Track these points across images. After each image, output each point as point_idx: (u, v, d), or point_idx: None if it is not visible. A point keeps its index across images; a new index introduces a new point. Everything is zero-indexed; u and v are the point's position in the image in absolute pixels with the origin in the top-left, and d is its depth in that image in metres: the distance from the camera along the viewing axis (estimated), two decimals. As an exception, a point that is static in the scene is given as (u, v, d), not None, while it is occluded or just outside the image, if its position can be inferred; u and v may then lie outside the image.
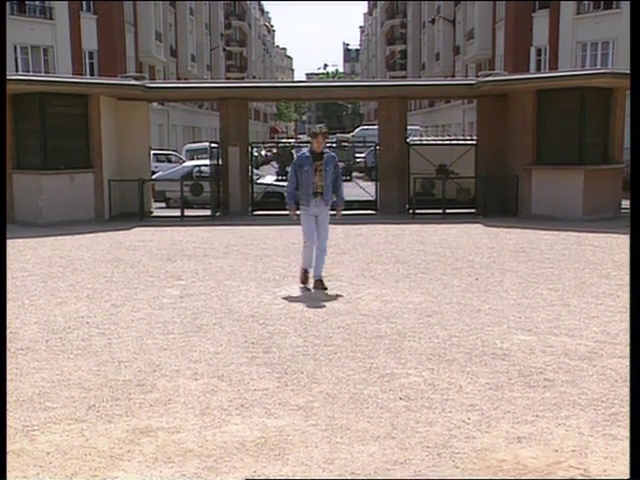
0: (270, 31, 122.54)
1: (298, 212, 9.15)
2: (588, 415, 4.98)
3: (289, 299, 8.63)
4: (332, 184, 9.04)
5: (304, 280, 9.22)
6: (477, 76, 21.85)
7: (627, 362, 6.07)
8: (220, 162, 18.64)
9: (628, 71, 19.97)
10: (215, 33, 66.94)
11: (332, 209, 9.39)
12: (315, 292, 9.03)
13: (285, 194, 9.24)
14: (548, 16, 34.79)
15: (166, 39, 49.65)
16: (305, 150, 9.11)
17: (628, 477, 2.52)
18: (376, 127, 20.97)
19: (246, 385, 5.60)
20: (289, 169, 9.30)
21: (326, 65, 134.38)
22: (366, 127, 43.88)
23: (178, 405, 5.19)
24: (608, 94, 17.01)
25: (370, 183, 21.33)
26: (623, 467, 4.16)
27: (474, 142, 19.15)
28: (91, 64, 36.77)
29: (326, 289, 8.99)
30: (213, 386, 5.58)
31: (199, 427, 4.78)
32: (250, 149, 19.48)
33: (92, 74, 35.54)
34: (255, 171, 21.38)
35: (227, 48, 73.23)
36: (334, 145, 34.32)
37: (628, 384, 5.57)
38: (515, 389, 5.45)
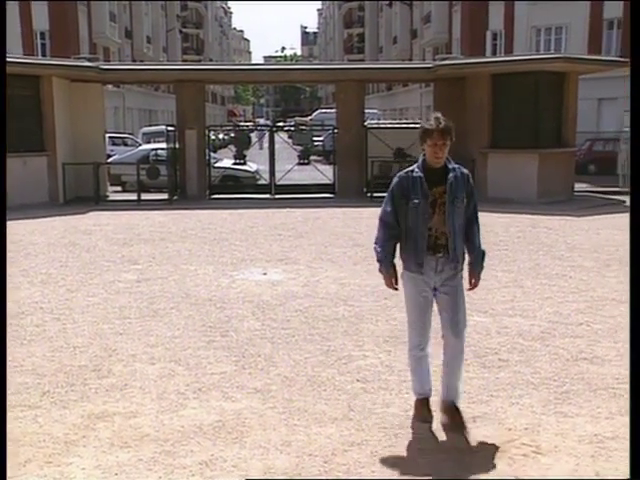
0: (227, 13, 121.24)
1: (396, 281, 4.70)
2: (541, 394, 5.07)
3: (247, 282, 8.60)
4: (464, 228, 4.61)
5: (423, 414, 4.67)
6: (434, 60, 21.93)
7: (579, 342, 6.20)
8: (177, 145, 18.45)
9: (580, 56, 20.29)
10: (171, 15, 66.02)
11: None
12: (274, 276, 9.01)
13: (374, 246, 4.71)
14: (504, 1, 35.04)
15: (121, 20, 48.83)
16: (413, 166, 4.60)
17: (628, 477, 2.58)
18: (334, 110, 20.94)
19: (203, 369, 5.58)
20: (385, 198, 4.67)
21: (284, 48, 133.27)
22: (324, 110, 43.78)
23: (135, 390, 5.15)
24: (561, 78, 17.23)
25: (328, 166, 21.32)
26: (573, 443, 4.27)
27: (431, 125, 19.20)
28: (42, 45, 36.01)
29: (466, 429, 4.50)
30: (170, 370, 5.55)
31: (156, 411, 4.76)
32: (207, 132, 19.31)
33: (44, 55, 34.78)
34: (213, 155, 21.22)
35: (183, 30, 72.31)
36: (292, 129, 34.33)
37: (579, 363, 5.69)
38: (471, 370, 5.52)
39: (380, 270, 4.69)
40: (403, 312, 7.11)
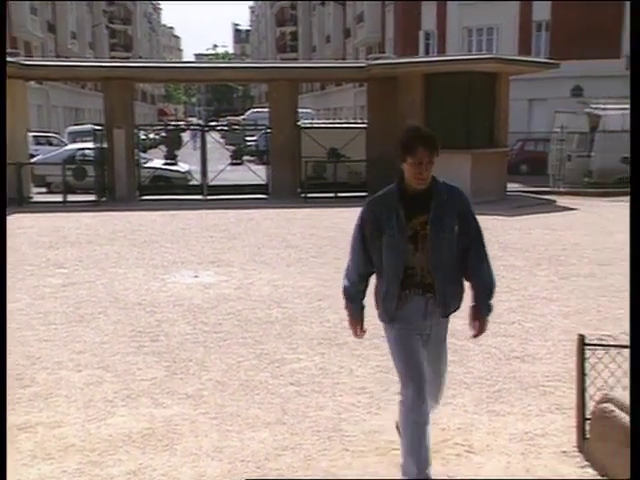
0: (156, 9, 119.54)
1: (361, 327, 3.96)
2: (473, 393, 5.09)
3: (178, 286, 8.44)
4: (460, 260, 3.73)
5: None
6: (367, 59, 22.04)
7: (511, 341, 6.27)
8: (105, 145, 18.04)
9: (511, 57, 20.69)
10: (97, 9, 64.56)
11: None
12: (206, 279, 8.86)
13: (343, 280, 3.93)
14: (436, 1, 35.51)
15: (42, 14, 47.52)
16: (388, 188, 3.75)
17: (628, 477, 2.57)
18: (268, 110, 20.84)
19: (133, 375, 5.42)
20: (354, 230, 3.82)
21: (216, 46, 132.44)
22: (258, 110, 43.59)
23: (60, 398, 4.97)
24: (493, 79, 17.52)
25: (262, 167, 21.19)
26: (504, 441, 4.30)
27: (365, 125, 19.32)
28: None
29: None
30: (98, 377, 5.38)
31: (82, 420, 4.59)
32: (137, 132, 18.95)
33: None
34: (142, 155, 20.84)
35: (110, 25, 70.95)
36: (225, 128, 33.98)
37: (511, 362, 5.75)
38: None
39: (349, 316, 3.90)
40: (337, 314, 7.14)
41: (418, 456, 3.64)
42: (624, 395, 3.79)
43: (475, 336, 3.81)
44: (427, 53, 34.96)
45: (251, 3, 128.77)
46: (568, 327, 6.55)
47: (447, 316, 3.76)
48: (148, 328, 6.66)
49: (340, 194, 17.86)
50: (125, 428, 4.48)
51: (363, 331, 3.92)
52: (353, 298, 3.85)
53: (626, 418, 3.58)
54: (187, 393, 5.07)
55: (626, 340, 4.21)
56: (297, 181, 18.62)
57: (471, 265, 3.70)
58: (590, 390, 4.13)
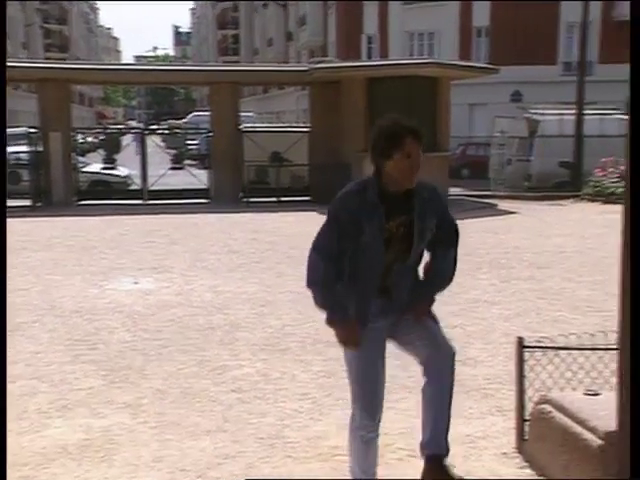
0: (93, 9, 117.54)
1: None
2: (416, 397, 5.08)
3: (117, 292, 8.28)
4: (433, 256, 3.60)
5: None
6: (310, 63, 22.07)
7: (453, 344, 6.29)
8: (40, 149, 17.63)
9: (451, 61, 20.95)
10: (30, 8, 62.93)
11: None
12: (146, 285, 8.71)
13: (315, 291, 3.42)
14: (378, 5, 35.77)
15: (-30, 12, 46.22)
16: (363, 183, 3.37)
17: (628, 477, 2.56)
18: (209, 113, 20.68)
19: (69, 385, 5.28)
20: (324, 227, 3.41)
21: (156, 48, 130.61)
22: (199, 113, 43.22)
23: (-9, 411, 4.79)
24: (434, 83, 17.73)
25: (203, 171, 21.01)
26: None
27: (308, 129, 19.32)
28: None
29: None
30: (32, 388, 5.22)
31: (15, 433, 4.44)
32: (74, 135, 18.59)
33: None
34: (80, 159, 20.45)
35: (45, 25, 69.39)
36: (165, 132, 33.58)
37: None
38: (347, 376, 5.48)
39: (332, 323, 3.36)
40: (280, 319, 7.12)
41: (365, 463, 3.60)
42: (561, 396, 3.84)
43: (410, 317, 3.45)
44: (369, 57, 35.21)
45: (192, 5, 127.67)
46: (509, 330, 6.63)
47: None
48: (86, 336, 6.51)
49: (283, 199, 17.83)
50: (60, 440, 4.35)
51: (353, 333, 3.33)
52: (340, 308, 3.30)
53: (563, 419, 3.63)
54: (126, 402, 4.96)
55: (564, 342, 4.28)
56: (239, 185, 18.52)
57: (433, 260, 3.51)
58: (529, 392, 4.18)
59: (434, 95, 17.84)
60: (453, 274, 3.58)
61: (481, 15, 34.29)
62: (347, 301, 3.36)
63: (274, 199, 17.80)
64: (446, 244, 3.52)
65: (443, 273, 3.55)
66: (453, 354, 3.56)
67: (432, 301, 3.57)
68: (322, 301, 3.36)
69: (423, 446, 3.52)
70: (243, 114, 22.14)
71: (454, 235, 3.54)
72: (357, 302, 3.37)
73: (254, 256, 10.65)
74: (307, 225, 14.13)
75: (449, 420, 3.52)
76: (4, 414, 3.56)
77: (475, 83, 24.95)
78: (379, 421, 3.50)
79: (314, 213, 16.09)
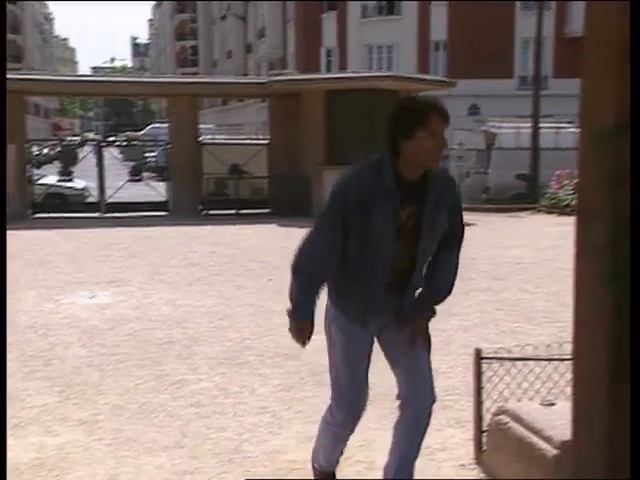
0: (48, 19, 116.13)
1: (309, 337, 3.34)
2: (375, 409, 5.07)
3: (73, 307, 8.15)
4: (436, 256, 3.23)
5: None
6: (269, 75, 22.11)
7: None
8: (-5, 160, 17.34)
9: (409, 75, 21.16)
10: (-20, 17, 62.03)
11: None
12: (103, 299, 8.59)
13: (299, 279, 3.15)
14: (336, 18, 36.03)
15: None
16: (376, 163, 3.07)
17: (628, 477, 2.56)
18: (168, 125, 20.57)
19: (22, 402, 5.17)
20: (322, 218, 3.14)
21: (113, 59, 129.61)
22: (158, 125, 42.97)
23: (-59, 431, 4.67)
24: (393, 96, 17.84)
25: (162, 183, 20.85)
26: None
27: (267, 141, 19.33)
28: None
29: None
30: (-17, 406, 5.09)
31: (-35, 454, 4.32)
32: (29, 147, 18.33)
33: None
34: (36, 171, 20.16)
35: (-3, 34, 68.25)
36: (123, 144, 33.30)
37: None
38: (307, 388, 5.47)
39: (291, 317, 3.20)
40: (239, 333, 7.08)
41: (330, 452, 3.58)
42: (518, 407, 3.87)
43: (414, 343, 3.21)
44: (329, 70, 35.45)
45: (150, 16, 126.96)
46: (467, 341, 6.67)
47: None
48: (40, 352, 6.39)
49: (242, 211, 17.78)
50: (12, 460, 4.24)
51: (307, 333, 3.23)
52: (305, 305, 3.11)
53: (520, 429, 3.66)
54: (81, 419, 4.87)
55: (520, 353, 4.32)
56: (198, 198, 18.42)
57: (435, 262, 3.18)
58: (487, 403, 4.21)
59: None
60: (454, 281, 3.25)
61: (439, 29, 34.77)
62: (346, 300, 3.13)
63: (233, 211, 17.74)
64: (450, 245, 3.19)
65: (445, 279, 3.20)
66: (433, 402, 3.37)
67: (432, 314, 3.26)
68: (295, 292, 3.14)
69: (387, 471, 3.44)
70: (202, 126, 22.08)
71: (460, 236, 3.21)
72: (359, 300, 3.10)
73: (213, 269, 10.59)
74: (266, 237, 14.15)
75: (419, 451, 3.44)
76: (4, 415, 3.49)
77: (433, 96, 25.22)
78: (359, 420, 3.43)
79: (273, 225, 16.10)
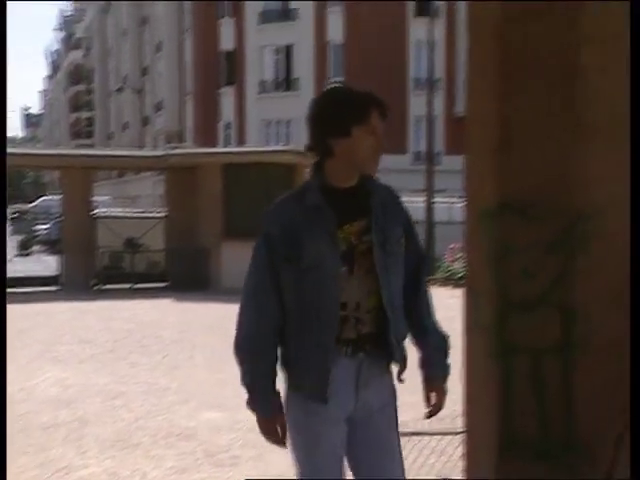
0: None
1: (282, 425, 2.51)
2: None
3: (-47, 389, 7.66)
4: (407, 293, 2.51)
5: None
6: (167, 148, 22.07)
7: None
8: None
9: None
10: None
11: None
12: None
13: (238, 353, 2.53)
14: (234, 93, 36.57)
15: None
16: (300, 188, 2.54)
17: (628, 477, 2.49)
18: (60, 197, 20.09)
19: None
20: (252, 260, 2.54)
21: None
22: (49, 197, 41.88)
23: None
24: (291, 170, 18.14)
25: (54, 257, 20.21)
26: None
27: (164, 214, 19.15)
28: None
29: None
30: None
31: None
32: None
33: None
34: None
35: None
36: (13, 216, 32.20)
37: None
38: (202, 469, 5.30)
39: (252, 408, 2.48)
40: (132, 412, 6.83)
41: None
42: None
43: (431, 415, 2.55)
44: (228, 143, 35.77)
45: (41, 87, 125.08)
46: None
47: (400, 380, 2.53)
48: None
49: (138, 285, 17.40)
50: None
51: (285, 434, 2.46)
52: (261, 381, 2.40)
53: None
54: (-45, 513, 4.51)
55: (417, 427, 4.32)
56: (92, 272, 17.94)
57: (414, 303, 2.51)
58: None
59: (291, 182, 18.20)
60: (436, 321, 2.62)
61: (334, 106, 35.74)
62: (296, 368, 2.41)
63: (129, 286, 17.34)
64: (420, 281, 2.55)
65: (439, 334, 2.57)
66: None
67: (446, 373, 2.52)
68: (243, 373, 2.46)
69: None
70: (97, 198, 21.69)
71: (426, 262, 2.59)
72: (311, 363, 2.35)
73: (107, 345, 10.24)
74: (163, 312, 13.85)
75: None
76: (4, 416, 3.24)
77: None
78: None
79: (170, 300, 15.81)
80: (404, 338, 2.47)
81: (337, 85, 2.50)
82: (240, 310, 2.55)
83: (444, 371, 2.49)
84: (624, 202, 2.89)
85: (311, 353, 2.35)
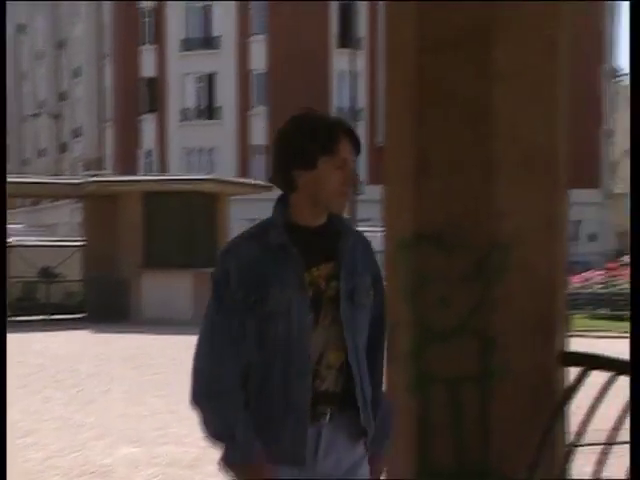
0: None
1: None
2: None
3: None
4: (369, 352, 2.18)
5: None
6: (85, 175, 21.65)
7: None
8: None
9: (229, 178, 21.46)
10: None
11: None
12: None
13: (205, 407, 2.10)
14: (155, 120, 36.23)
15: None
16: (261, 223, 2.24)
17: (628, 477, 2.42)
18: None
19: None
20: (208, 306, 2.23)
21: None
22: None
23: None
24: (213, 199, 18.03)
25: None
26: None
27: (82, 243, 18.71)
28: None
29: None
30: None
31: None
32: None
33: None
34: None
35: None
36: None
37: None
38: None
39: (230, 465, 2.05)
40: (43, 450, 6.54)
41: None
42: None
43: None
44: (149, 171, 35.35)
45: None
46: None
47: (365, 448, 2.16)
48: None
49: (54, 316, 16.89)
50: None
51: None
52: (243, 433, 2.01)
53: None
54: None
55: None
56: (4, 303, 17.31)
57: (373, 365, 2.21)
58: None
59: (213, 211, 18.10)
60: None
61: (258, 134, 35.80)
62: (267, 432, 2.05)
63: (44, 317, 16.81)
64: (379, 342, 2.26)
65: (386, 404, 2.29)
66: None
67: (386, 444, 2.28)
68: (207, 423, 2.09)
69: None
70: (11, 226, 21.01)
71: (385, 326, 2.28)
72: (282, 423, 2.05)
73: (18, 381, 9.84)
74: (80, 344, 13.46)
75: None
76: (4, 416, 3.31)
77: (255, 199, 25.75)
78: None
79: (88, 331, 15.40)
80: (370, 399, 2.14)
81: (306, 111, 2.17)
82: (195, 357, 2.21)
83: (386, 444, 2.25)
84: (536, 233, 2.94)
85: (280, 410, 2.05)
